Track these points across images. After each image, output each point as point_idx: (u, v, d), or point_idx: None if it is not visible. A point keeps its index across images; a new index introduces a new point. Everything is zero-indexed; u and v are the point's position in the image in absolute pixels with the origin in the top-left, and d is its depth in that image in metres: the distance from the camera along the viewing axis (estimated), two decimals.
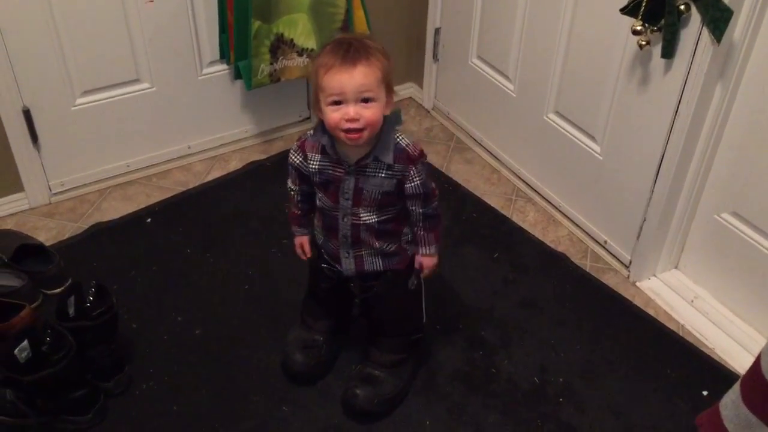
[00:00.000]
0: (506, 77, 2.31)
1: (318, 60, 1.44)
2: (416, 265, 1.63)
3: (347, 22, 2.32)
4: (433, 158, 2.53)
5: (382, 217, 1.56)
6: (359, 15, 2.36)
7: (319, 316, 1.77)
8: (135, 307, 1.94)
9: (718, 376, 1.82)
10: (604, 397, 1.77)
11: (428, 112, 2.77)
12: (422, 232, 1.59)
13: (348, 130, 1.41)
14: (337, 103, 1.41)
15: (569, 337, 1.90)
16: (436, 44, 2.58)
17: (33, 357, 1.57)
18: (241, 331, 1.89)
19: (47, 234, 2.19)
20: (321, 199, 1.57)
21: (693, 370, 1.83)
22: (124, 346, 1.80)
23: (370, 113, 1.40)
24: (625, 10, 1.68)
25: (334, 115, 1.41)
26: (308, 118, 2.65)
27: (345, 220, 1.56)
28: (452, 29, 2.49)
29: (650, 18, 1.67)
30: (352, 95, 1.39)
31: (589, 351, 1.87)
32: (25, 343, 1.54)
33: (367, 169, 1.50)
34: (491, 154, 2.50)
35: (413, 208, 1.56)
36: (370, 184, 1.51)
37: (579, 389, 1.78)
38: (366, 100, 1.40)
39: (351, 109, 1.39)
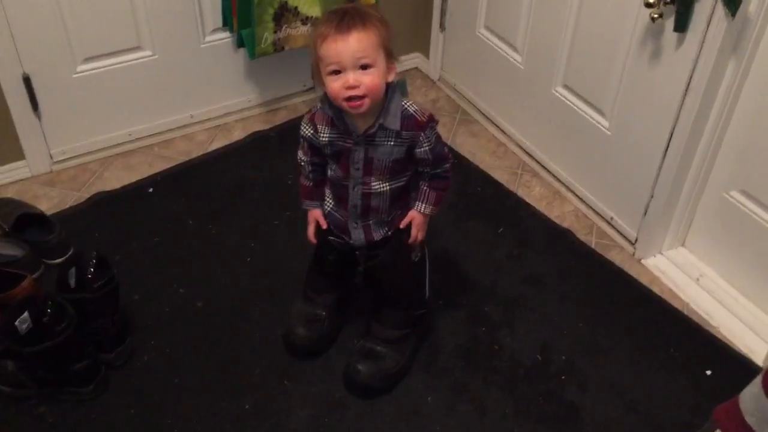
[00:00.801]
0: (514, 48, 2.27)
1: (315, 31, 1.43)
2: (406, 219, 1.60)
3: None
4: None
5: (395, 185, 1.55)
6: None
7: (323, 290, 1.76)
8: (136, 278, 1.92)
9: (722, 355, 1.81)
10: (606, 375, 1.76)
11: (434, 82, 2.73)
12: (425, 188, 1.58)
13: (349, 99, 1.40)
14: (336, 72, 1.39)
15: (572, 315, 1.89)
16: (443, 13, 2.53)
17: (34, 328, 1.56)
18: (243, 304, 1.88)
19: (48, 203, 2.17)
20: (333, 170, 1.56)
21: (697, 348, 1.82)
22: (125, 318, 1.79)
23: (370, 79, 1.38)
24: None
25: (334, 85, 1.40)
26: (312, 87, 2.62)
27: (355, 189, 1.55)
28: None
29: None
30: (349, 62, 1.37)
31: (592, 328, 1.86)
32: (26, 314, 1.53)
33: (376, 138, 1.48)
34: (498, 127, 2.46)
35: (423, 169, 1.56)
36: (379, 152, 1.50)
37: (581, 367, 1.78)
38: (364, 67, 1.38)
39: (350, 77, 1.38)
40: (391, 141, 1.48)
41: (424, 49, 2.72)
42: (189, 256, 2.01)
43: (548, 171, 2.30)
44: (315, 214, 1.65)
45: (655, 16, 1.68)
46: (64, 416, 1.63)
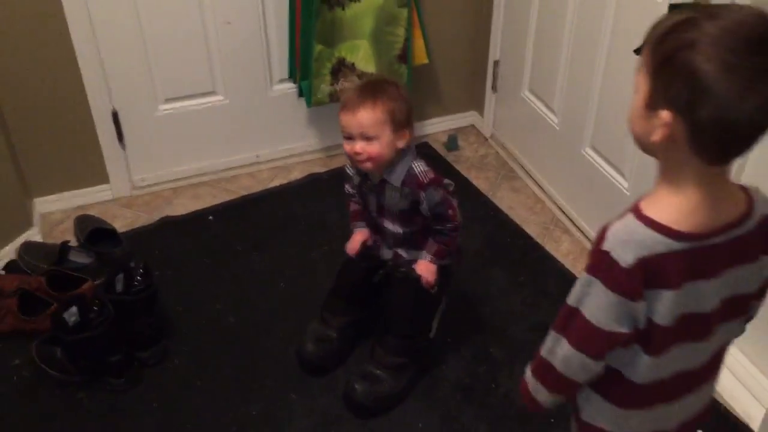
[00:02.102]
0: (551, 110, 2.41)
1: (341, 96, 1.68)
2: (416, 264, 1.81)
3: (406, 50, 2.49)
4: (481, 184, 2.64)
5: (408, 230, 1.79)
6: (419, 44, 2.53)
7: (337, 313, 1.94)
8: (182, 292, 2.17)
9: (718, 417, 1.82)
10: None
11: (486, 139, 2.88)
12: (431, 239, 1.80)
13: (356, 160, 1.68)
14: (348, 137, 1.67)
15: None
16: (495, 76, 2.71)
17: (81, 322, 1.82)
18: (269, 323, 2.08)
19: (123, 222, 2.47)
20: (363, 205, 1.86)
21: None
22: (165, 324, 2.03)
23: (372, 149, 1.66)
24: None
25: (346, 146, 1.69)
26: None
27: (379, 223, 1.82)
28: (509, 62, 2.61)
29: None
30: (356, 133, 1.65)
31: None
32: (74, 308, 1.80)
33: (385, 189, 1.73)
34: (537, 183, 2.58)
35: (429, 223, 1.76)
36: (387, 201, 1.75)
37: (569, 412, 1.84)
38: (369, 138, 1.64)
39: (357, 145, 1.66)
40: (395, 194, 1.73)
41: (479, 107, 2.89)
42: (230, 277, 2.24)
43: (578, 228, 2.39)
44: (363, 235, 1.89)
45: None
46: (98, 403, 1.87)
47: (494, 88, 2.74)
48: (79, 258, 2.22)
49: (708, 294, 1.01)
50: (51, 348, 1.86)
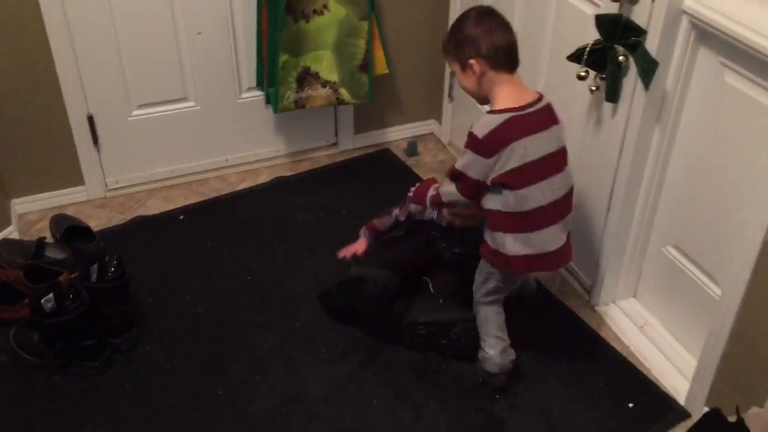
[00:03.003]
0: None
1: None
2: None
3: (367, 61, 2.65)
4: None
5: None
6: (379, 55, 2.70)
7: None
8: (154, 285, 2.30)
9: (647, 392, 1.99)
10: (538, 399, 1.97)
11: (445, 146, 3.05)
12: None
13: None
14: None
15: (520, 347, 2.10)
16: (451, 85, 2.88)
17: (57, 308, 1.94)
18: (236, 312, 2.22)
19: (97, 221, 2.60)
20: None
21: (625, 384, 2.01)
22: (136, 313, 2.16)
23: None
24: (571, 58, 1.93)
25: None
26: (335, 143, 2.99)
27: None
28: None
29: (597, 66, 1.91)
30: None
31: (535, 360, 2.08)
32: (51, 295, 1.92)
33: None
34: None
35: None
36: None
37: (516, 391, 2.00)
38: None
39: None
40: None
41: (438, 116, 3.07)
42: (200, 271, 2.37)
43: None
44: (364, 244, 2.20)
45: (593, 88, 1.97)
46: (73, 385, 1.98)
47: (451, 97, 2.91)
48: (55, 254, 2.34)
49: (537, 146, 1.76)
50: (29, 333, 1.98)
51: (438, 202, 1.96)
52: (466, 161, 1.79)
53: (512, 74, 1.78)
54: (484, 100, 1.85)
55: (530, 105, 1.78)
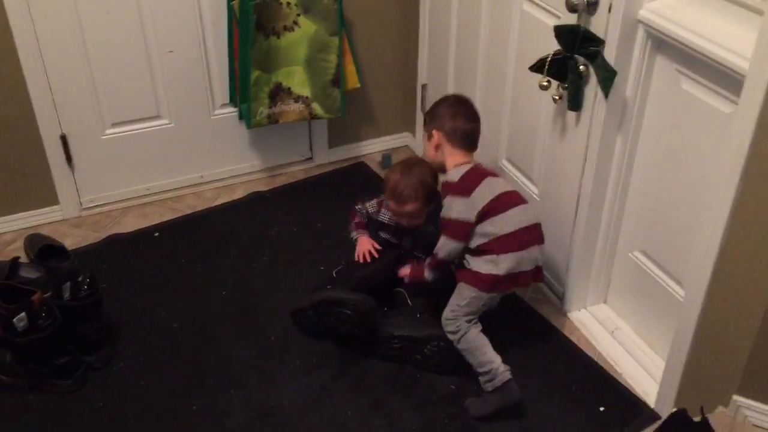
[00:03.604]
0: None
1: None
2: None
3: (339, 75, 2.68)
4: None
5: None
6: (351, 69, 2.73)
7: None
8: (129, 301, 2.30)
9: (618, 396, 2.01)
10: (511, 405, 1.99)
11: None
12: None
13: (401, 224, 2.24)
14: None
15: None
16: (423, 98, 2.91)
17: (30, 327, 1.94)
18: (211, 327, 2.23)
19: (72, 240, 2.60)
20: None
21: (597, 389, 2.03)
22: (110, 330, 2.16)
23: (415, 222, 2.19)
24: (533, 68, 1.97)
25: (393, 214, 2.23)
26: (310, 158, 3.02)
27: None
28: (435, 85, 2.82)
29: (559, 76, 1.95)
30: (404, 215, 2.16)
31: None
32: (23, 314, 1.92)
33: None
34: None
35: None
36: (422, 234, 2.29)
37: None
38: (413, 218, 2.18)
39: (403, 221, 2.19)
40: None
41: (411, 128, 3.10)
42: (175, 287, 2.38)
43: None
44: (368, 239, 2.30)
45: (556, 98, 2.00)
46: (46, 404, 1.99)
47: (423, 109, 2.94)
48: (29, 273, 2.34)
49: (498, 185, 2.04)
50: (1, 352, 1.98)
51: (437, 263, 2.08)
52: (449, 205, 2.01)
53: (466, 153, 2.09)
54: (439, 167, 2.12)
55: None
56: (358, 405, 1.99)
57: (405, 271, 2.18)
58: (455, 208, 1.99)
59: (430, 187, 2.14)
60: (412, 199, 2.11)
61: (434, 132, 2.09)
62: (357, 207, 2.31)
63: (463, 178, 2.01)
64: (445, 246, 2.03)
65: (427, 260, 2.12)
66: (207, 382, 2.06)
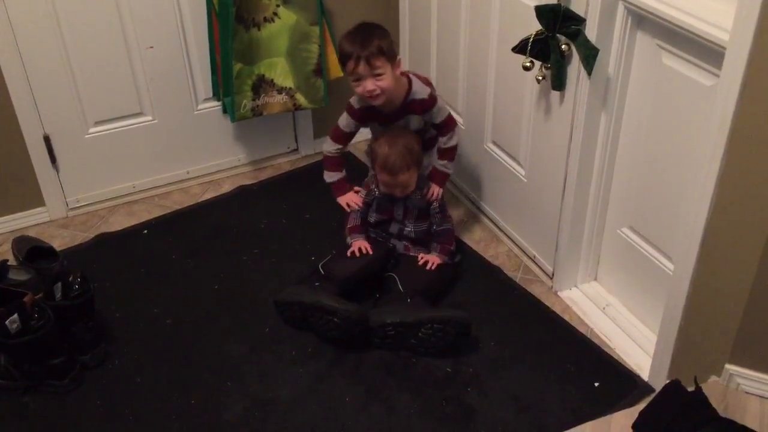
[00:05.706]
0: (457, 112, 2.62)
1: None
2: None
3: (321, 65, 2.68)
4: None
5: (419, 229, 2.40)
6: (333, 59, 2.73)
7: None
8: (121, 300, 2.30)
9: (612, 371, 2.04)
10: (507, 385, 2.01)
11: None
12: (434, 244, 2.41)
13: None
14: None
15: (486, 335, 2.15)
16: None
17: (23, 329, 1.93)
18: (205, 322, 2.23)
19: (60, 241, 2.59)
20: None
21: (591, 365, 2.06)
22: (104, 328, 2.16)
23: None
24: (515, 49, 1.98)
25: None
26: (296, 149, 3.01)
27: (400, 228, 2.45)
28: (417, 70, 2.79)
29: (541, 56, 1.96)
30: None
31: (502, 347, 2.12)
32: (15, 316, 1.91)
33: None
34: (452, 181, 2.79)
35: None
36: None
37: (486, 379, 2.03)
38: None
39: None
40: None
41: None
42: (167, 283, 2.38)
43: (487, 217, 2.60)
44: (363, 242, 2.36)
45: (539, 78, 2.01)
46: (43, 405, 1.98)
47: None
48: (19, 275, 2.32)
49: None
50: None
51: (453, 154, 2.39)
52: (443, 107, 2.31)
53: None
54: (402, 89, 2.28)
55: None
56: (355, 392, 2.00)
57: (435, 189, 2.35)
58: (446, 106, 2.32)
59: (418, 153, 2.24)
60: (405, 168, 2.20)
61: (399, 58, 2.22)
62: (363, 191, 2.40)
63: (431, 86, 2.33)
64: (458, 131, 2.36)
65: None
66: (203, 376, 2.06)
